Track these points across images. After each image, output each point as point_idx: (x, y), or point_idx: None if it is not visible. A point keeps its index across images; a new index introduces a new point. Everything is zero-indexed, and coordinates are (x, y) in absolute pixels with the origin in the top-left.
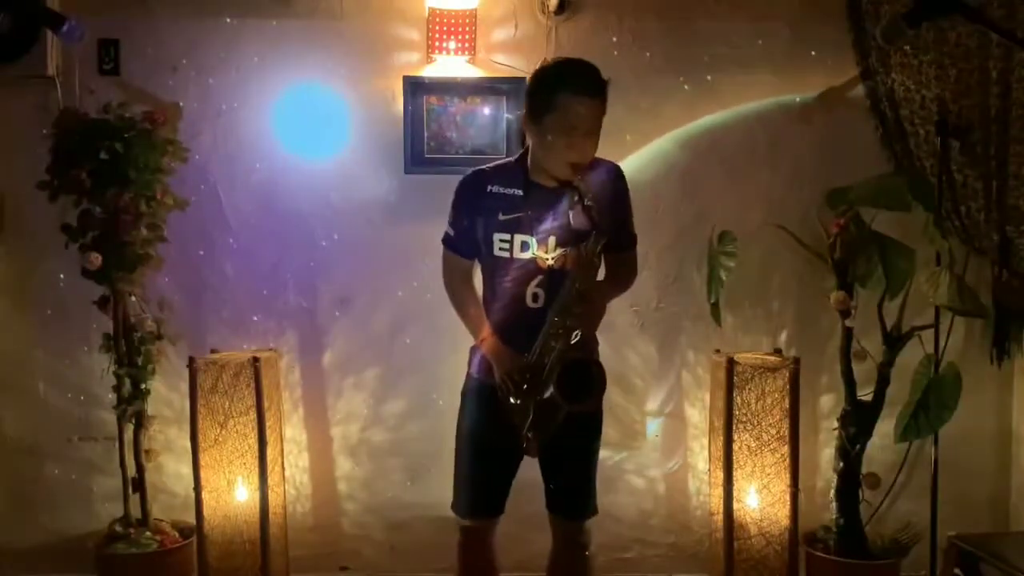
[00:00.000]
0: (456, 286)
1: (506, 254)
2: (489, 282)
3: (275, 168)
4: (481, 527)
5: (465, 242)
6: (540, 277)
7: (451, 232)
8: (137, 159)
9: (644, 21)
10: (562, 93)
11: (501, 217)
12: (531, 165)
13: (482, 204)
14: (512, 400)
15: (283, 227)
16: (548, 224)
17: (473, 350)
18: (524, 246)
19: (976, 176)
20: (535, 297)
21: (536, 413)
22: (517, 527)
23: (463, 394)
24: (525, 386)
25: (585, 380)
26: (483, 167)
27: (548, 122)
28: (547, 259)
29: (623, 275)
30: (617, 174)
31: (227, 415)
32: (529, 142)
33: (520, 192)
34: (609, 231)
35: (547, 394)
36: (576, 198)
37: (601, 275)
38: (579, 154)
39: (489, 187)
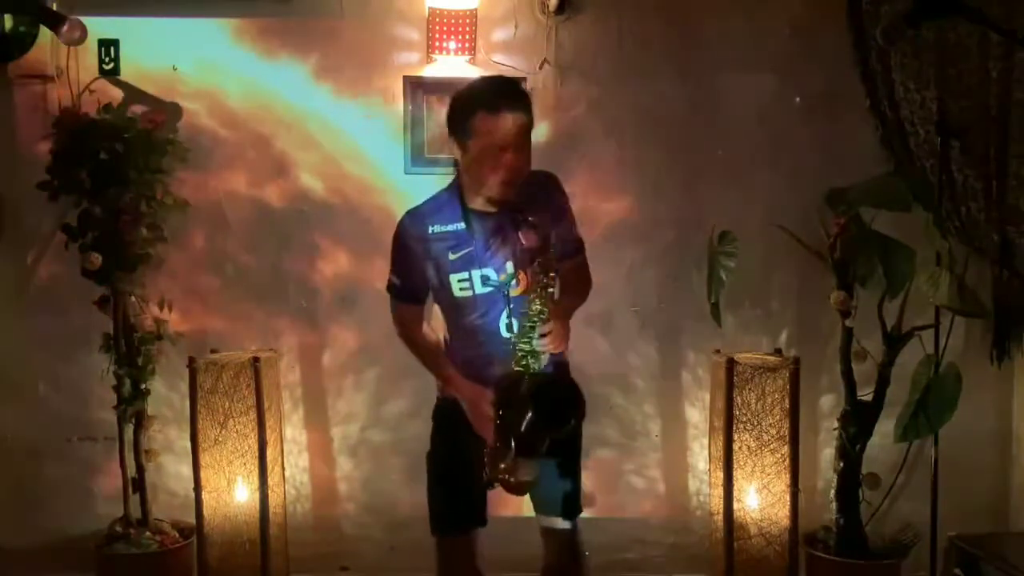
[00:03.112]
0: (412, 334)
1: (468, 293)
2: (456, 323)
3: (275, 167)
4: (465, 541)
5: (414, 288)
6: (511, 306)
7: (396, 281)
8: (137, 159)
9: (644, 21)
10: (479, 114)
11: (452, 256)
12: (467, 192)
13: (428, 248)
14: (496, 442)
15: (283, 227)
16: (499, 249)
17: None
18: (485, 280)
19: (976, 176)
20: (509, 327)
21: (518, 449)
22: (509, 527)
23: (434, 416)
24: (504, 423)
25: (563, 401)
26: (416, 208)
27: (474, 147)
28: (512, 287)
29: (577, 284)
30: (552, 182)
31: (227, 415)
32: (459, 170)
33: (462, 225)
34: (555, 242)
35: (524, 427)
36: (519, 217)
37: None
38: (513, 172)
39: (430, 229)
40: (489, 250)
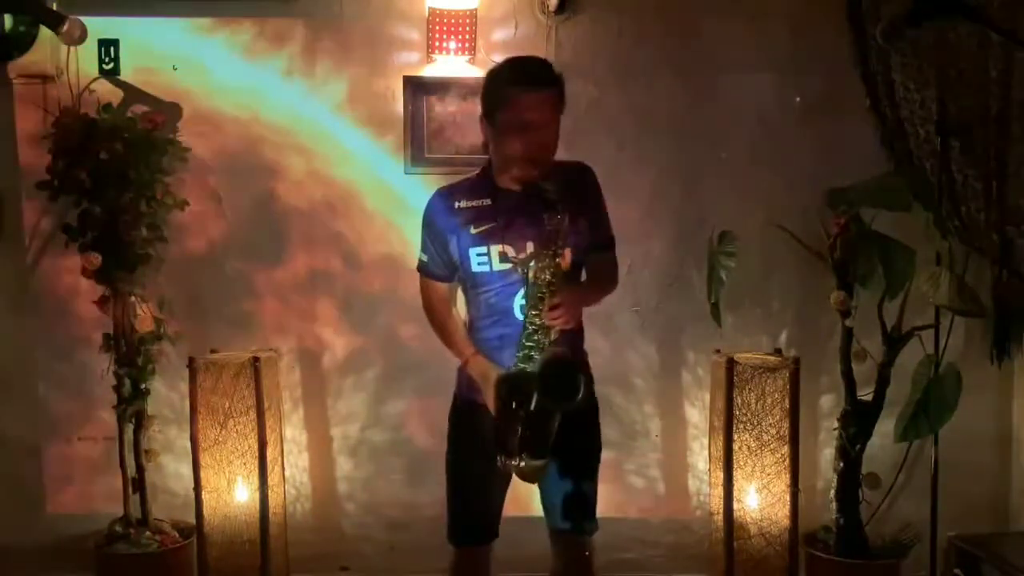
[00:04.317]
0: (437, 312)
1: (486, 268)
2: (474, 301)
3: (275, 168)
4: (477, 553)
5: (440, 265)
6: (524, 289)
7: (424, 258)
8: (137, 159)
9: (644, 21)
10: (511, 87)
11: (473, 231)
12: (496, 171)
13: (452, 222)
14: (503, 422)
15: (283, 227)
16: (523, 228)
17: (459, 370)
18: (503, 256)
19: (976, 176)
20: (523, 309)
21: (526, 431)
22: (517, 528)
23: (450, 417)
24: (513, 403)
25: (567, 377)
26: (446, 185)
27: (502, 119)
28: (532, 267)
29: (603, 277)
30: (587, 173)
31: (227, 415)
32: (490, 148)
33: (488, 201)
34: (582, 231)
35: (533, 405)
36: (546, 199)
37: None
38: (537, 149)
39: (456, 203)
40: (511, 227)
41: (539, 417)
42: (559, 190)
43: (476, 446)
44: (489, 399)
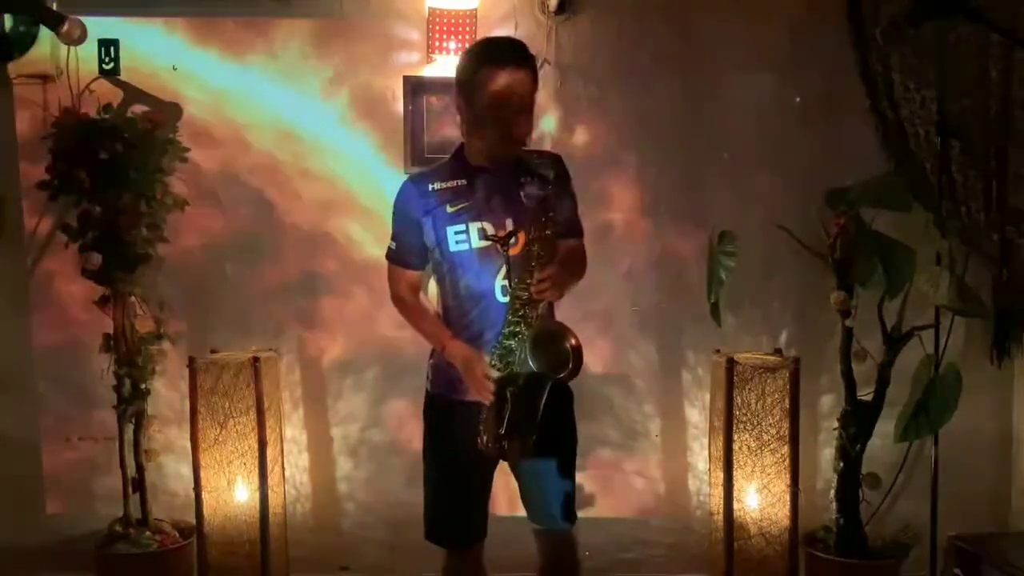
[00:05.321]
0: (406, 300)
1: (465, 246)
2: (451, 286)
3: (275, 168)
4: (469, 554)
5: (411, 253)
6: (506, 268)
7: (394, 245)
8: (137, 159)
9: (644, 21)
10: (487, 68)
11: (450, 209)
12: (469, 152)
13: (427, 205)
14: (490, 403)
15: (283, 227)
16: (500, 206)
17: (431, 366)
18: (482, 233)
19: (976, 176)
20: (504, 290)
21: (513, 409)
22: (509, 527)
23: (424, 415)
24: (499, 383)
25: (558, 347)
26: (418, 171)
27: (478, 101)
28: (512, 243)
29: (574, 264)
30: (558, 162)
31: (227, 415)
32: (463, 135)
33: (464, 181)
34: (556, 219)
35: (521, 382)
36: (522, 176)
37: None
38: (514, 129)
39: (431, 186)
40: (488, 203)
41: (529, 390)
42: (545, 162)
43: (458, 445)
44: (470, 383)
